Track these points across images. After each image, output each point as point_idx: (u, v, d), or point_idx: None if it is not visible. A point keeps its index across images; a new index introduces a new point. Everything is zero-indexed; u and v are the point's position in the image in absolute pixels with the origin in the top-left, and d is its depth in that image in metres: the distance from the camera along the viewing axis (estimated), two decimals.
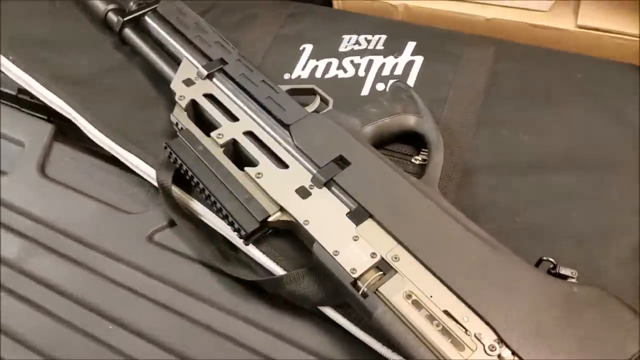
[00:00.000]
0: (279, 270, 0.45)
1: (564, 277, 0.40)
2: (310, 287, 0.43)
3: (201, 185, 0.46)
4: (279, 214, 0.44)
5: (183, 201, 0.50)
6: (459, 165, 0.52)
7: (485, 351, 0.36)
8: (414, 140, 0.52)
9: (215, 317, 0.46)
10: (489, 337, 0.36)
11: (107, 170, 0.56)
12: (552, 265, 0.41)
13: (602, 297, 0.38)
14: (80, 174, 0.56)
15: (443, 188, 0.49)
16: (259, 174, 0.46)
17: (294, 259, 0.45)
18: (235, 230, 0.44)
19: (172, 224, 0.52)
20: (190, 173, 0.47)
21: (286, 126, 0.49)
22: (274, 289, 0.45)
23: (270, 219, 0.44)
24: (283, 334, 0.45)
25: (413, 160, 0.52)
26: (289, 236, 0.46)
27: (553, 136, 0.53)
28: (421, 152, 0.52)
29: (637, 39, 0.60)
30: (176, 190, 0.50)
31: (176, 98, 0.51)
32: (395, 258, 0.40)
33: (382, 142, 0.52)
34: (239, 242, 0.47)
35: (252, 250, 0.46)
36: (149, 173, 0.52)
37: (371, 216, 0.43)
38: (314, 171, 0.46)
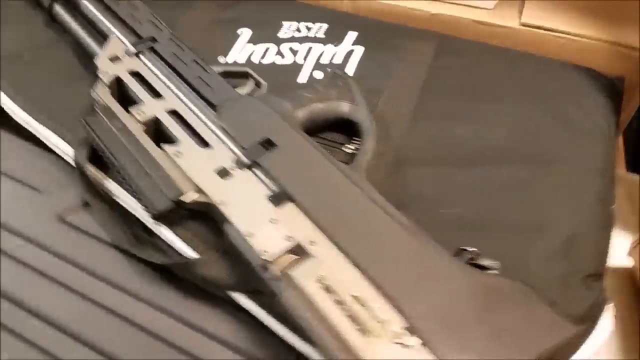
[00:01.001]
0: (192, 254, 0.43)
1: (484, 269, 0.39)
2: (223, 272, 0.41)
3: (115, 162, 0.43)
4: (194, 194, 0.42)
5: (98, 181, 0.47)
6: (390, 156, 0.50)
7: (391, 338, 0.34)
8: (348, 128, 0.51)
9: (124, 301, 0.44)
10: (397, 325, 0.35)
11: (27, 149, 0.53)
12: (471, 256, 0.39)
13: (521, 291, 0.37)
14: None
15: (372, 177, 0.48)
16: (178, 152, 0.43)
17: (209, 243, 0.43)
18: (145, 209, 0.42)
19: (86, 204, 0.49)
20: (105, 150, 0.44)
21: (213, 106, 0.47)
22: (185, 273, 0.42)
23: (184, 199, 0.42)
24: (193, 322, 0.42)
25: (344, 149, 0.51)
26: (207, 220, 0.44)
27: (490, 131, 0.52)
28: (352, 141, 0.51)
29: (579, 38, 0.60)
30: (92, 169, 0.47)
31: (99, 73, 0.49)
32: (312, 243, 0.39)
33: (315, 129, 0.50)
34: (153, 224, 0.45)
35: (165, 232, 0.44)
36: (66, 151, 0.49)
37: (292, 200, 0.41)
38: (238, 152, 0.44)
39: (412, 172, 0.49)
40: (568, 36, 0.61)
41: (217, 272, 0.41)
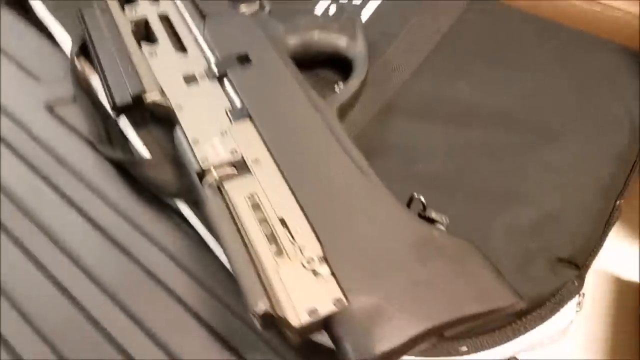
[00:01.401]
0: (145, 155, 0.43)
1: (432, 222, 0.36)
2: (169, 176, 0.41)
3: (93, 53, 0.44)
4: (156, 95, 0.41)
5: (84, 75, 0.48)
6: (380, 102, 0.47)
7: (302, 263, 0.32)
8: (344, 67, 0.48)
9: (84, 194, 0.45)
10: (312, 251, 0.33)
11: (33, 35, 0.55)
12: (422, 207, 0.36)
13: (465, 250, 0.34)
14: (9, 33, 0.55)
15: (346, 116, 0.45)
16: (153, 52, 0.43)
17: (166, 150, 0.43)
18: (108, 101, 0.42)
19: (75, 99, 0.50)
20: (89, 41, 0.45)
21: (203, 16, 0.46)
22: (137, 172, 0.42)
23: (146, 98, 0.41)
24: (142, 225, 0.43)
25: (335, 86, 0.48)
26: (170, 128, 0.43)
27: (496, 94, 0.48)
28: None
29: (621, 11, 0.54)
30: (79, 62, 0.48)
31: None
32: (256, 161, 0.37)
33: (309, 59, 0.48)
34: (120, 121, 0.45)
35: (128, 130, 0.44)
36: (65, 42, 0.50)
37: (250, 117, 0.40)
38: (211, 62, 0.43)
39: (398, 123, 0.46)
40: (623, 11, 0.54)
41: (164, 176, 0.41)
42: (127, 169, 0.43)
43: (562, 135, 0.46)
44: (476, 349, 0.35)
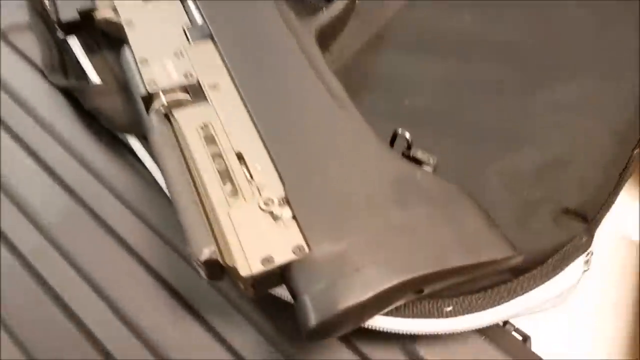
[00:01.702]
0: (97, 80, 0.37)
1: (418, 162, 0.31)
2: (119, 105, 0.35)
3: None
4: (108, 12, 0.35)
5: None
6: (369, 33, 0.41)
7: (260, 204, 0.27)
8: None
9: (28, 126, 0.40)
10: (272, 192, 0.28)
11: None
12: (406, 145, 0.31)
13: (455, 196, 0.29)
14: None
15: (339, 51, 0.40)
16: None
17: (120, 75, 0.37)
18: (53, 17, 0.36)
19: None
20: None
21: None
22: (86, 101, 0.37)
23: (96, 15, 0.35)
24: (91, 163, 0.38)
25: (320, 13, 0.42)
26: None
27: (501, 25, 0.42)
28: None
29: None
30: None
31: None
32: (215, 87, 0.32)
33: None
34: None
35: (79, 55, 0.38)
36: None
37: (212, 38, 0.34)
38: None
39: (388, 55, 0.40)
40: None
41: (113, 105, 0.35)
42: (78, 99, 0.38)
43: (574, 72, 0.39)
44: (463, 311, 0.30)
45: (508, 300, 0.31)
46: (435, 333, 0.30)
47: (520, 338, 0.34)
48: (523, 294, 0.32)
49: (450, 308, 0.30)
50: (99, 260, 0.34)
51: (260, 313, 0.33)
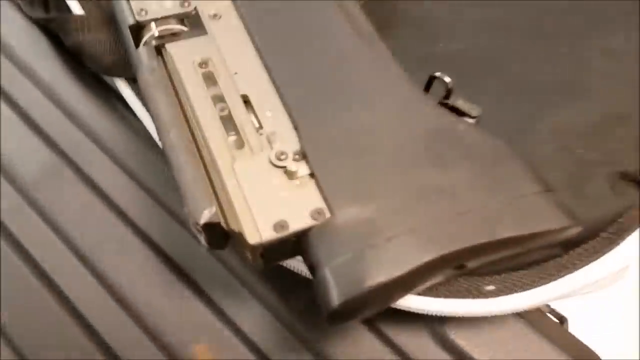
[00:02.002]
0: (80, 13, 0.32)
1: (459, 113, 0.26)
2: (103, 42, 0.30)
3: None
4: None
5: None
6: None
7: (270, 158, 0.22)
8: None
9: (6, 71, 0.35)
10: (284, 143, 0.23)
11: None
12: (445, 92, 0.26)
13: (503, 154, 0.24)
14: None
15: None
16: None
17: (107, 7, 0.32)
18: None
19: None
20: None
21: None
22: (64, 35, 0.32)
23: None
24: (75, 113, 0.33)
25: None
26: None
27: None
28: None
29: None
30: None
31: None
32: (216, 17, 0.26)
33: None
34: None
35: None
36: None
37: None
38: None
39: None
40: None
41: (97, 41, 0.30)
42: (58, 35, 0.33)
43: (634, 17, 0.34)
44: (507, 290, 0.26)
45: (556, 279, 0.27)
46: (472, 315, 0.26)
47: (556, 320, 0.30)
48: (574, 270, 0.27)
49: (491, 287, 0.26)
50: (83, 223, 0.30)
51: (268, 286, 0.28)
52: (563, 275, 0.27)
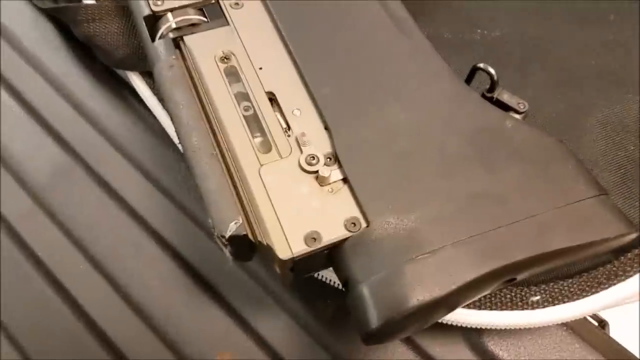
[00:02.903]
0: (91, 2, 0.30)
1: (505, 107, 0.23)
2: (116, 34, 0.28)
3: None
4: None
5: None
6: None
7: (301, 162, 0.20)
8: None
9: (13, 63, 0.33)
10: (315, 145, 0.21)
11: None
12: (489, 85, 0.24)
13: (556, 152, 0.22)
14: None
15: None
16: None
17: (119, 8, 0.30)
18: None
19: None
20: None
21: None
22: (75, 26, 0.30)
23: None
24: (87, 110, 0.31)
25: None
26: None
27: None
28: None
29: None
30: None
31: None
32: (237, 4, 0.24)
33: None
34: None
35: None
36: None
37: None
38: None
39: None
40: None
41: (110, 33, 0.28)
42: (69, 27, 0.31)
43: None
44: (553, 300, 0.24)
45: (607, 287, 0.25)
46: (516, 327, 0.24)
47: (596, 324, 0.29)
48: (625, 279, 0.25)
49: (537, 297, 0.24)
50: (97, 227, 0.28)
51: (294, 294, 0.26)
52: (614, 284, 0.25)
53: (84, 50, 0.32)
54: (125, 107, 0.31)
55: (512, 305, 0.24)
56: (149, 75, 0.28)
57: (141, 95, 0.29)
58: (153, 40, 0.23)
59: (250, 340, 0.26)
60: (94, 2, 0.29)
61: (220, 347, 0.26)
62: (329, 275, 0.24)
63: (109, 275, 0.27)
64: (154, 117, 0.29)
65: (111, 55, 0.29)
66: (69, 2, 0.32)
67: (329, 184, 0.20)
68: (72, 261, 0.28)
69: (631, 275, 0.25)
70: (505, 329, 0.25)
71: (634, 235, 0.22)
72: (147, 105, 0.29)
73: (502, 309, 0.24)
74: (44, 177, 0.30)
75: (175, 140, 0.27)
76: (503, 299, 0.24)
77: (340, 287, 0.24)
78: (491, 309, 0.23)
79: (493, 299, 0.24)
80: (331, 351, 0.26)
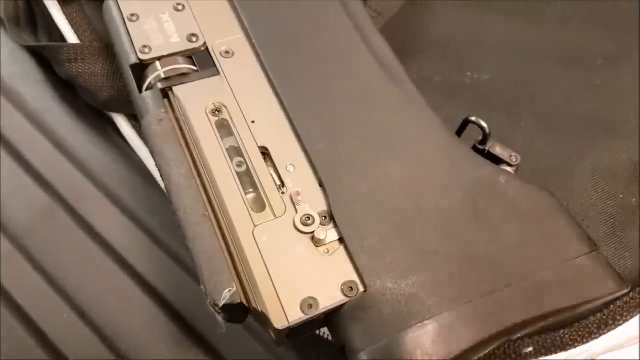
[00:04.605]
0: (74, 40, 0.29)
1: (496, 160, 0.23)
2: (101, 75, 0.27)
3: None
4: None
5: None
6: None
7: (296, 222, 0.20)
8: None
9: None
10: (310, 204, 0.20)
11: None
12: (481, 137, 0.24)
13: (549, 208, 0.22)
14: None
15: (380, 4, 0.31)
16: None
17: (104, 34, 0.29)
18: None
19: None
20: None
21: None
22: (57, 65, 0.29)
23: None
24: (69, 148, 0.30)
25: None
26: None
27: None
28: None
29: None
30: None
31: None
32: (228, 53, 0.24)
33: None
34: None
35: (50, 4, 0.29)
36: None
37: None
38: None
39: (442, 10, 0.32)
40: None
41: (93, 74, 0.27)
42: (50, 62, 0.30)
43: None
44: (546, 351, 0.24)
45: (597, 337, 0.25)
46: None
47: None
48: (616, 327, 0.25)
49: (530, 349, 0.24)
50: (80, 273, 0.27)
51: (288, 346, 0.26)
52: (604, 333, 0.25)
53: (66, 86, 0.31)
54: (109, 145, 0.30)
55: (506, 358, 0.23)
56: (134, 117, 0.28)
57: (126, 137, 0.28)
58: (140, 90, 0.23)
59: None
60: (78, 41, 0.28)
61: None
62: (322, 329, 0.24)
63: (95, 325, 0.26)
64: (139, 155, 0.29)
65: (95, 97, 0.28)
66: (50, 38, 0.31)
67: (325, 244, 0.20)
68: (55, 309, 0.27)
69: (622, 323, 0.25)
70: None
71: (625, 291, 0.22)
72: (134, 147, 0.28)
73: None
74: (24, 220, 0.29)
75: (162, 184, 0.27)
76: (497, 351, 0.23)
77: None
78: None
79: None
80: None
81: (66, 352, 0.26)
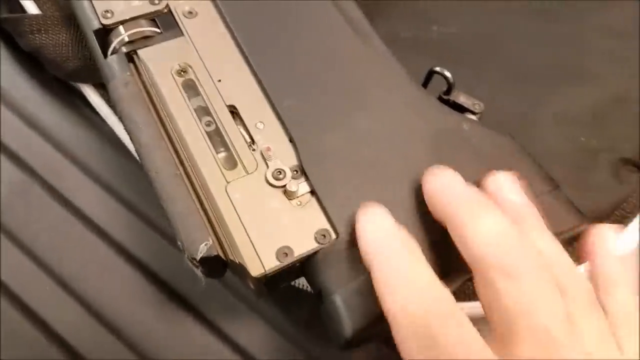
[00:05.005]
0: (34, 11, 0.28)
1: (460, 109, 0.24)
2: (65, 46, 0.27)
3: None
4: None
5: None
6: None
7: (268, 177, 0.20)
8: None
9: None
10: (281, 159, 0.21)
11: None
12: (446, 88, 0.24)
13: (511, 151, 0.23)
14: None
15: None
16: None
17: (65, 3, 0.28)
18: None
19: None
20: None
21: None
22: (20, 38, 0.28)
23: None
24: (38, 120, 0.30)
25: None
26: None
27: None
28: None
29: None
30: None
31: None
32: (191, 13, 0.24)
33: None
34: None
35: None
36: None
37: None
38: None
39: None
40: None
41: (57, 45, 0.27)
42: (11, 35, 0.29)
43: None
44: None
45: None
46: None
47: None
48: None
49: None
50: (60, 246, 0.27)
51: (268, 299, 0.27)
52: None
53: (31, 60, 0.31)
54: (79, 118, 0.30)
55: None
56: (102, 86, 0.28)
57: (95, 106, 0.28)
58: (105, 55, 0.23)
59: (228, 349, 0.26)
60: (39, 12, 0.28)
61: (198, 358, 0.26)
62: (301, 281, 0.25)
63: (79, 296, 0.26)
64: (110, 126, 0.29)
65: (61, 68, 0.28)
66: (11, 11, 0.30)
67: (297, 197, 0.20)
68: (37, 283, 0.27)
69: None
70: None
71: (586, 227, 0.23)
72: (104, 118, 0.28)
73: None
74: (5, 198, 0.29)
75: (134, 152, 0.27)
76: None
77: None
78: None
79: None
80: (309, 353, 0.26)
81: (52, 323, 0.26)
